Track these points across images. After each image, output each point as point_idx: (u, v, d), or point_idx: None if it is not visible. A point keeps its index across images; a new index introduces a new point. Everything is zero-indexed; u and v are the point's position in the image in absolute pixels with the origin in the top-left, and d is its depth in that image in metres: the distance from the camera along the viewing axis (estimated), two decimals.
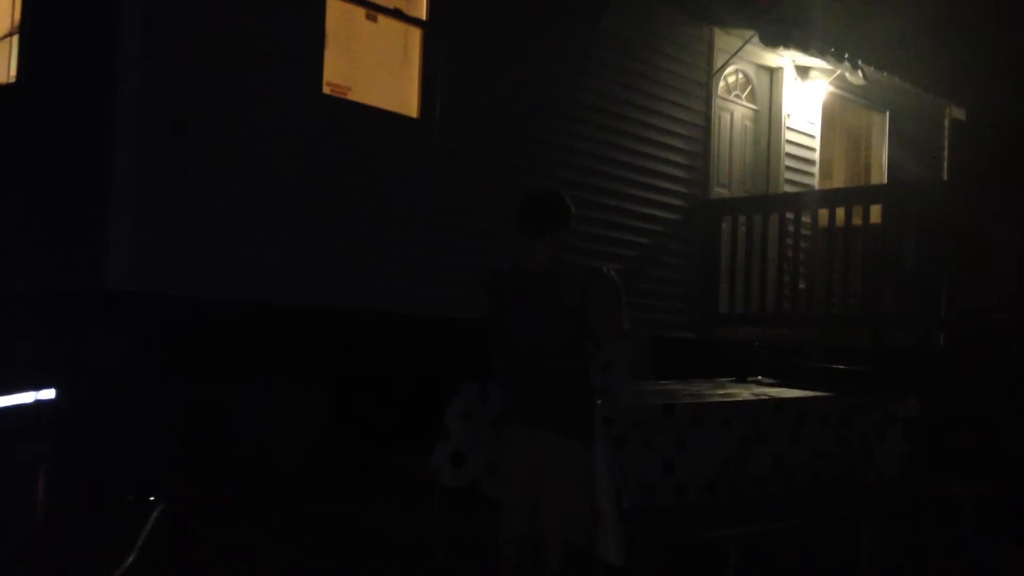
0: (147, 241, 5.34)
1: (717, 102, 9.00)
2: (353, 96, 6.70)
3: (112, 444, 4.55)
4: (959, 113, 11.75)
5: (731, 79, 9.26)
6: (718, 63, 8.87)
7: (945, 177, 11.35)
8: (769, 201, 8.68)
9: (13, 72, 6.45)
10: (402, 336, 6.31)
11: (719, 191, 9.06)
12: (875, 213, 7.80)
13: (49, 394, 3.63)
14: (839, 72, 9.45)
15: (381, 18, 6.83)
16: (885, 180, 10.56)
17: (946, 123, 11.66)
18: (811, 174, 9.85)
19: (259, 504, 5.16)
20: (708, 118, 8.84)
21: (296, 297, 5.91)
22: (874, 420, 4.88)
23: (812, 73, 9.61)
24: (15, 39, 6.44)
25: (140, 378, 4.98)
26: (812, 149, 9.87)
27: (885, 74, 9.98)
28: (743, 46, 8.86)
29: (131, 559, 2.90)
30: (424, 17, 6.77)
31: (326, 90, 6.30)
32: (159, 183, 5.40)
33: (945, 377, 6.74)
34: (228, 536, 4.62)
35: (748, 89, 9.46)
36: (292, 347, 5.84)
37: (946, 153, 11.64)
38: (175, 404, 5.03)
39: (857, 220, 7.80)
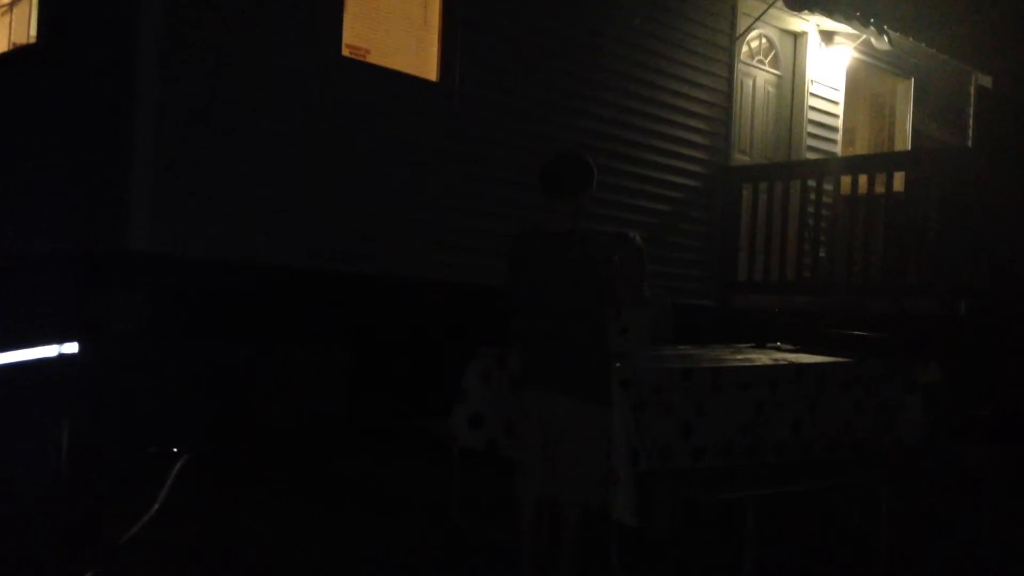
0: (168, 204, 5.35)
1: (740, 67, 8.90)
2: (372, 59, 6.67)
3: (134, 399, 4.61)
4: (985, 80, 11.57)
5: (754, 44, 9.14)
6: (741, 27, 8.76)
7: (970, 144, 11.20)
8: (791, 168, 8.60)
9: (33, 33, 6.46)
10: (424, 300, 6.32)
11: (740, 158, 8.98)
12: (898, 181, 7.71)
13: (72, 348, 3.67)
14: (864, 37, 9.30)
15: None
16: (909, 147, 10.43)
17: (972, 90, 11.49)
18: (834, 141, 9.74)
19: (280, 463, 5.22)
20: (730, 83, 8.74)
21: (317, 261, 5.93)
22: (894, 387, 4.86)
23: (836, 38, 9.47)
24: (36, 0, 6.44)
25: (162, 338, 5.02)
26: (835, 116, 9.75)
27: (911, 40, 9.83)
28: (767, 9, 8.74)
29: (156, 507, 2.95)
30: None
31: (345, 52, 6.28)
32: (179, 147, 5.40)
33: (967, 345, 6.69)
34: (249, 492, 4.68)
35: (771, 54, 9.34)
36: (314, 310, 5.87)
37: (971, 120, 11.47)
38: (197, 364, 5.07)
39: (880, 188, 7.71)
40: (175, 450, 2.86)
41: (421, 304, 6.35)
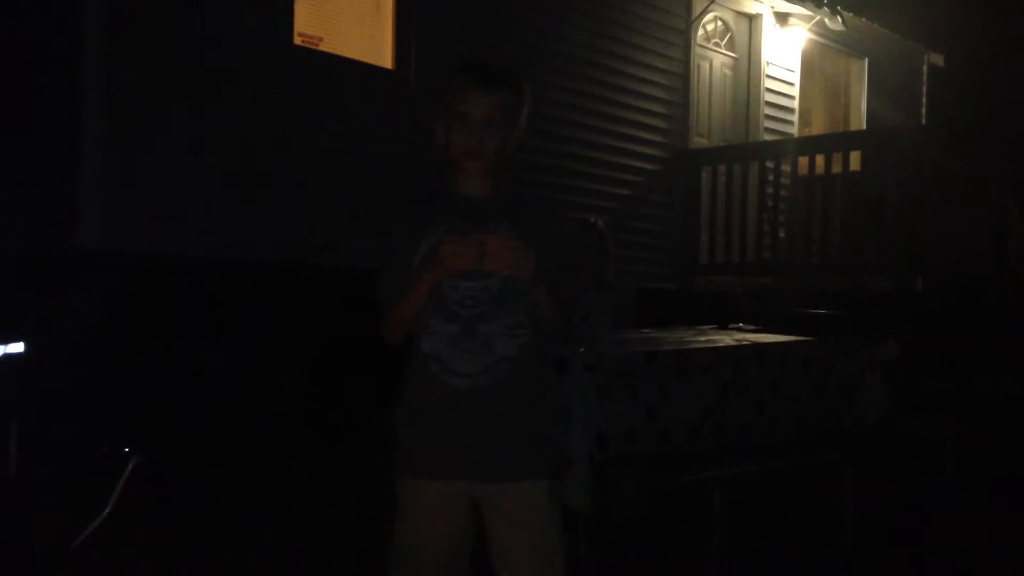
0: (119, 199, 5.23)
1: (696, 51, 8.91)
2: (325, 47, 6.56)
3: (85, 400, 4.50)
4: (937, 59, 11.73)
5: (710, 27, 9.16)
6: (696, 10, 8.77)
7: (924, 123, 11.34)
8: (748, 150, 8.64)
9: None
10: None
11: (699, 141, 9.00)
12: (854, 160, 7.78)
13: (18, 347, 3.57)
14: (818, 18, 9.37)
15: None
16: (864, 127, 10.53)
17: (924, 69, 11.64)
18: (790, 122, 9.81)
19: (238, 462, 5.13)
20: (687, 67, 8.75)
21: (274, 255, 5.83)
22: (855, 365, 4.90)
23: (791, 20, 9.53)
24: None
25: (113, 336, 4.91)
26: (791, 97, 9.82)
27: (864, 20, 9.92)
28: None
29: (107, 510, 2.87)
30: None
31: (297, 41, 6.17)
32: (128, 141, 5.28)
33: (923, 321, 6.78)
34: (206, 493, 4.60)
35: (727, 37, 9.37)
36: (274, 306, 5.77)
37: (925, 99, 11.62)
38: (149, 362, 4.97)
39: (837, 168, 7.78)
40: (126, 450, 2.78)
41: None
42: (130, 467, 2.75)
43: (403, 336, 2.25)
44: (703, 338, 4.81)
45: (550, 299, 2.16)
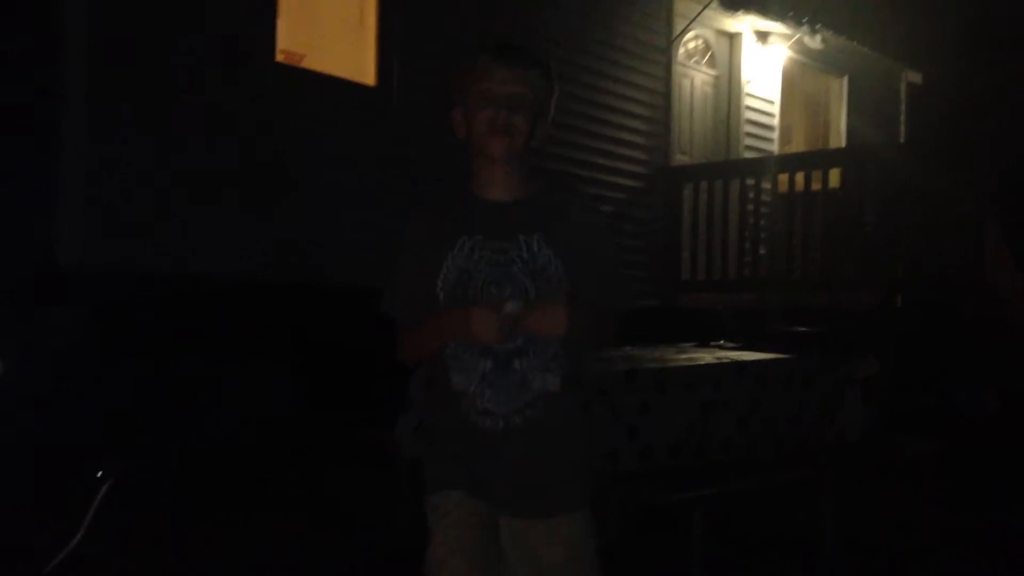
0: (100, 216, 5.21)
1: (677, 68, 8.98)
2: (308, 64, 6.57)
3: (64, 419, 4.46)
4: (915, 77, 11.86)
5: (691, 45, 9.23)
6: (677, 29, 8.84)
7: (902, 141, 11.46)
8: (730, 167, 8.70)
9: None
10: (370, 308, 6.23)
11: (680, 158, 9.06)
12: (834, 177, 7.85)
13: None
14: (797, 36, 9.46)
15: None
16: (844, 145, 10.63)
17: (903, 87, 11.76)
18: (771, 140, 9.89)
19: (219, 479, 5.10)
20: (668, 84, 8.81)
21: (258, 271, 5.82)
22: (835, 382, 4.92)
23: (771, 38, 9.62)
24: None
25: (96, 354, 4.88)
26: (771, 115, 9.90)
27: (843, 38, 10.02)
28: (702, 10, 8.83)
29: (78, 538, 2.83)
30: None
31: (279, 58, 6.18)
32: (109, 158, 5.26)
33: (903, 338, 6.83)
34: (186, 510, 4.56)
35: (708, 55, 9.44)
36: (255, 320, 5.75)
37: (903, 116, 11.74)
38: (132, 380, 4.93)
39: (817, 185, 7.84)
40: (99, 473, 2.74)
41: (367, 311, 6.26)
42: (104, 490, 2.72)
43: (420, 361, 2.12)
44: (684, 356, 4.82)
45: (590, 329, 2.00)
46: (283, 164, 5.98)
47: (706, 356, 4.80)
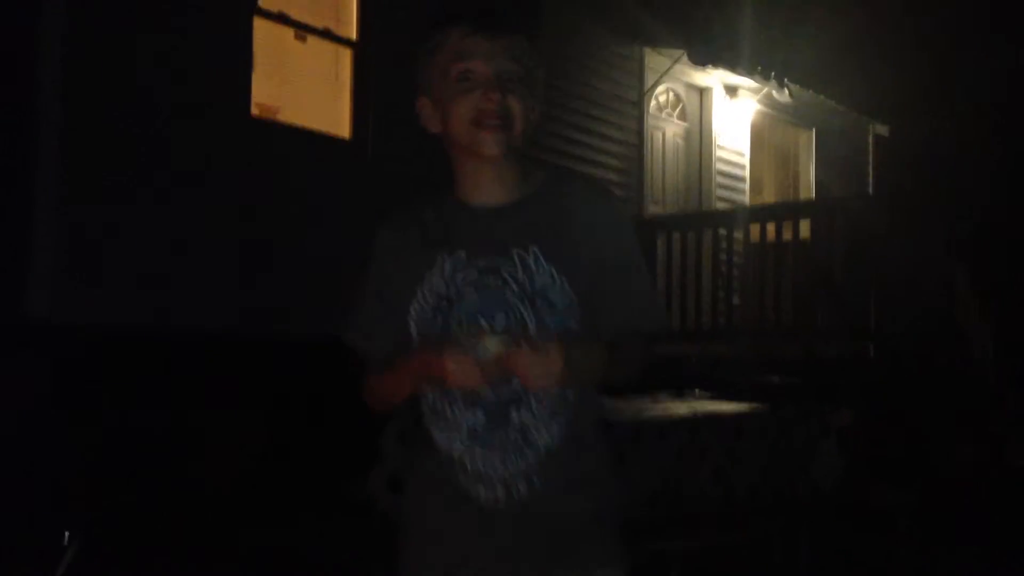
0: (71, 270, 5.17)
1: (649, 120, 9.12)
2: (283, 117, 6.61)
3: (31, 479, 4.38)
4: (882, 129, 12.12)
5: (662, 98, 9.39)
6: (649, 82, 9.00)
7: (871, 192, 11.66)
8: (701, 218, 8.80)
9: None
10: (344, 362, 6.19)
11: (653, 208, 9.16)
12: (804, 228, 7.95)
13: None
14: (766, 91, 9.66)
15: (310, 38, 6.75)
16: (813, 196, 10.80)
17: (870, 139, 12.00)
18: (742, 191, 10.03)
19: (191, 534, 5.00)
20: (641, 136, 8.94)
21: (230, 324, 5.78)
22: (808, 432, 4.94)
23: (740, 92, 9.81)
24: None
25: (65, 410, 4.80)
26: (742, 166, 10.06)
27: (810, 92, 10.23)
28: (672, 66, 9.01)
29: None
30: (354, 38, 6.72)
31: (255, 112, 6.20)
32: (82, 213, 5.24)
33: (875, 388, 6.87)
34: (158, 570, 4.46)
35: (679, 107, 9.60)
36: (227, 376, 5.69)
37: (871, 168, 11.96)
38: (102, 436, 4.86)
39: (787, 235, 7.94)
40: (67, 534, 2.68)
41: (340, 366, 6.22)
42: (67, 557, 2.65)
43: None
44: (659, 406, 4.83)
45: (607, 366, 1.53)
46: (255, 217, 5.98)
47: (681, 406, 4.80)
